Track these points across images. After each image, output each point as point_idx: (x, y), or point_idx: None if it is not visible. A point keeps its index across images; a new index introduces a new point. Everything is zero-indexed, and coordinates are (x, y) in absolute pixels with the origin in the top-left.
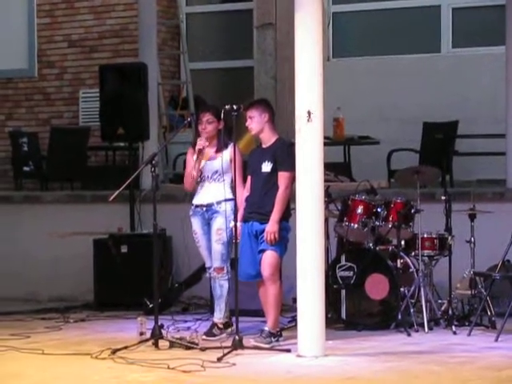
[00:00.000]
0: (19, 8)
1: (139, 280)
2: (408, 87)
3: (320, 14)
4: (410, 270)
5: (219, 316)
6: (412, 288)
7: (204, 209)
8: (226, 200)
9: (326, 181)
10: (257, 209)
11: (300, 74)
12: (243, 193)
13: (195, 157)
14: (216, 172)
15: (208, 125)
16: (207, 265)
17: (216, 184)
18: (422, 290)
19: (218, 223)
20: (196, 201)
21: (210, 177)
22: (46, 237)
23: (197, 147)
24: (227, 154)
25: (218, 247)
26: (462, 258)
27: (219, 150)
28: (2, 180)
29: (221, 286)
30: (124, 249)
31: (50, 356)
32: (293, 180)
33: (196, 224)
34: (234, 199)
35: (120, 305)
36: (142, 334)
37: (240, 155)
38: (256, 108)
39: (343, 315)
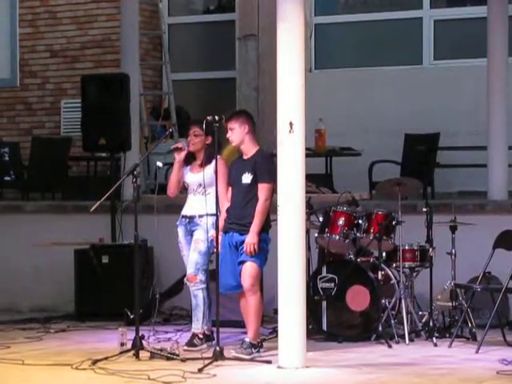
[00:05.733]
0: (1, 18)
1: (120, 291)
2: (390, 99)
3: (302, 25)
4: (391, 282)
5: (197, 326)
6: (393, 300)
7: (187, 220)
8: (207, 215)
9: (307, 192)
10: (237, 220)
11: (282, 86)
12: (226, 205)
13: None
14: (200, 185)
15: (194, 137)
16: None
17: (199, 197)
18: (402, 301)
19: (198, 234)
20: (183, 211)
21: (194, 190)
22: (27, 247)
23: (176, 145)
24: (211, 167)
25: (193, 255)
26: (443, 269)
27: (204, 163)
28: None
29: (195, 296)
30: (105, 259)
31: (30, 366)
32: (273, 191)
33: (181, 233)
34: (216, 214)
35: (101, 315)
36: (122, 344)
37: (223, 167)
38: (236, 119)
39: (324, 327)
